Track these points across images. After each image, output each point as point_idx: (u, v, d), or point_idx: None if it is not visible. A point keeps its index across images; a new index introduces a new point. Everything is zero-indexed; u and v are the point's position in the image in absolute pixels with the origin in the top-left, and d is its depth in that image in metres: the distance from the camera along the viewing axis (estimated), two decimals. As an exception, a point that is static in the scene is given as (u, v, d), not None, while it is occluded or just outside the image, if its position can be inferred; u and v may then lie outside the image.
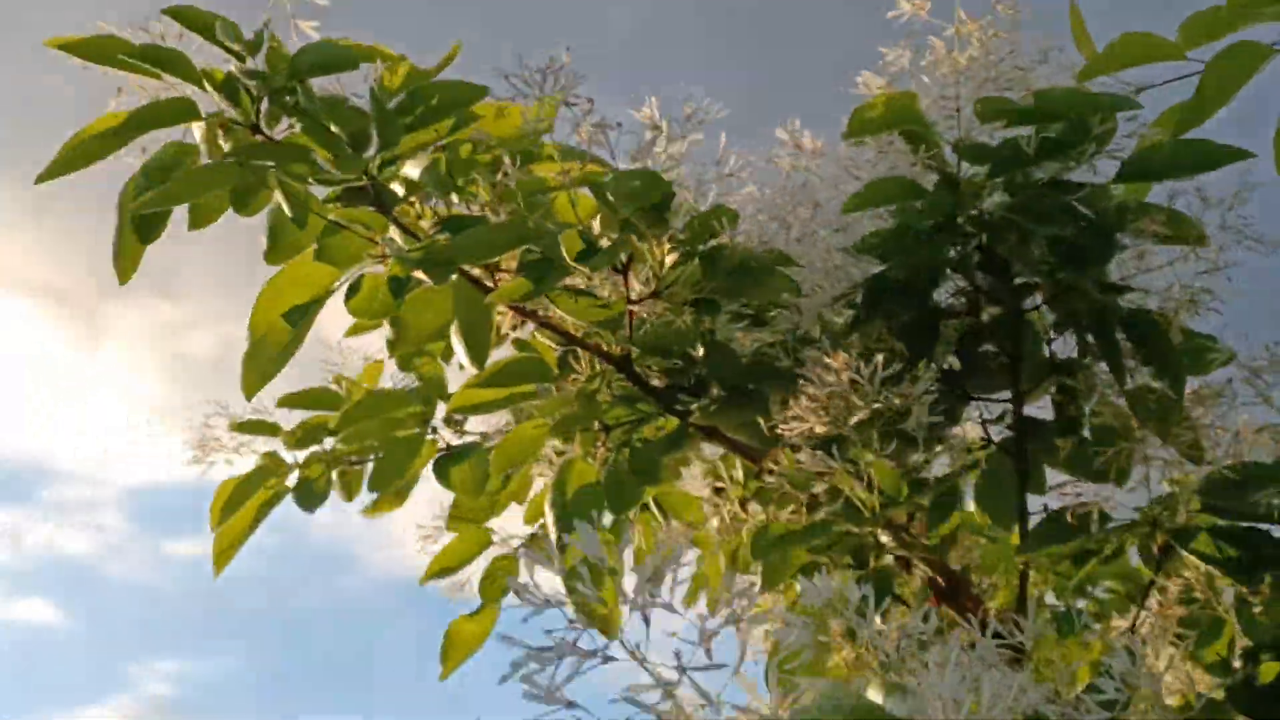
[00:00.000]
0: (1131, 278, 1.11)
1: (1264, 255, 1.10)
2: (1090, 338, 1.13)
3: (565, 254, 1.14)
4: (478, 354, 1.20)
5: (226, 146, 1.17)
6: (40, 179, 1.14)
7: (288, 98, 1.17)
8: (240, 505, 1.37)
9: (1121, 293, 1.08)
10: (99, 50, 1.12)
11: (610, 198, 1.14)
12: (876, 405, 1.07)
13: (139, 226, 1.16)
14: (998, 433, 1.17)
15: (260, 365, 1.20)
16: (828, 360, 1.06)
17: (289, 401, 1.38)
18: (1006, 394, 1.15)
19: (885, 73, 1.11)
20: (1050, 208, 1.08)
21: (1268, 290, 1.15)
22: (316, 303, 1.20)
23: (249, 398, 1.21)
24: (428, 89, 1.19)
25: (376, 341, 1.31)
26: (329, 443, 1.39)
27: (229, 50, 1.14)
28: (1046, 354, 1.15)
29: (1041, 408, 1.15)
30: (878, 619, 1.21)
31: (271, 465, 1.38)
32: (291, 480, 1.40)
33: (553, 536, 1.22)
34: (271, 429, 1.39)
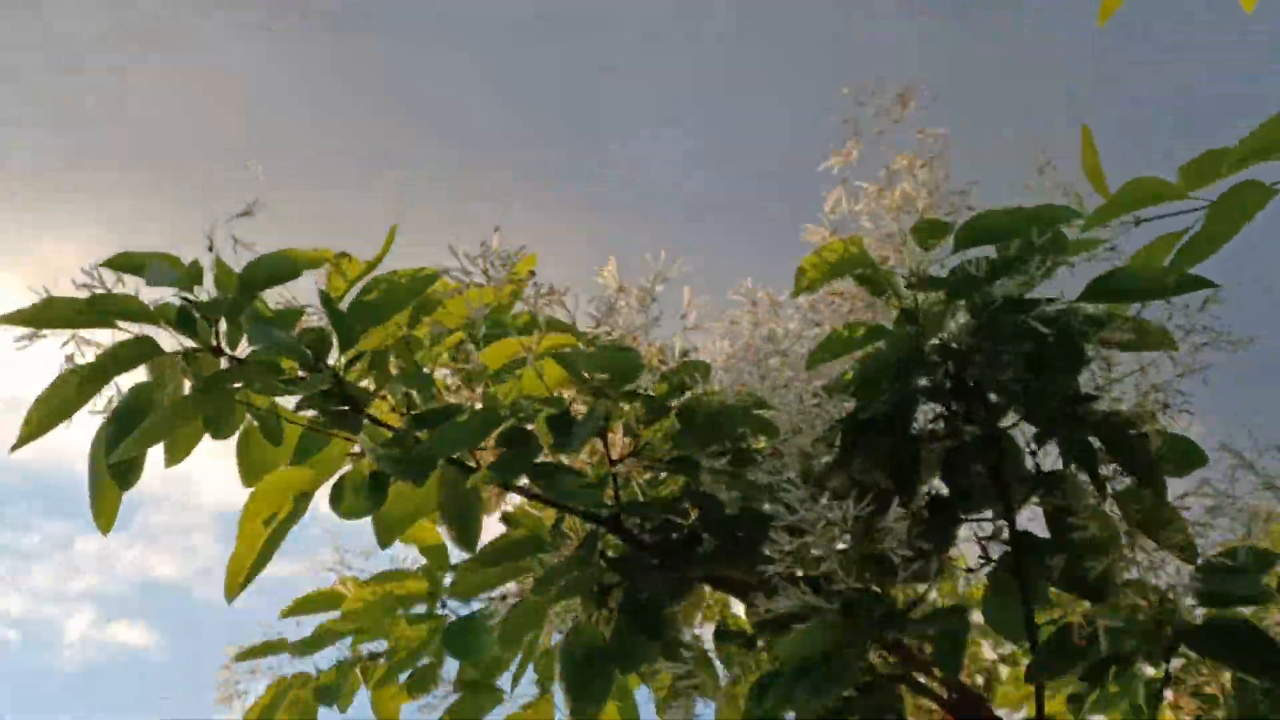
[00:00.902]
0: (1105, 387, 1.13)
1: (1232, 353, 1.11)
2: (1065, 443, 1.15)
3: (540, 435, 1.16)
4: (468, 540, 1.23)
5: (187, 381, 1.20)
6: (15, 447, 1.17)
7: (242, 317, 1.20)
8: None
9: (1091, 402, 1.10)
10: (54, 314, 1.15)
11: (583, 373, 1.17)
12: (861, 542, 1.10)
13: (116, 475, 1.18)
14: (996, 549, 1.19)
15: (241, 570, 1.23)
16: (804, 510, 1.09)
17: (295, 610, 1.41)
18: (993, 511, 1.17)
19: (827, 222, 1.14)
20: (1011, 327, 1.10)
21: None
22: (302, 504, 1.23)
23: (230, 600, 1.25)
24: (376, 285, 1.22)
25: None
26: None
27: (175, 284, 1.16)
28: (1031, 466, 1.17)
29: (1033, 518, 1.17)
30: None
31: (285, 685, 1.42)
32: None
33: (564, 702, 1.25)
34: (280, 646, 1.43)
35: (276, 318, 1.20)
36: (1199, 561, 1.09)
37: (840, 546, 1.10)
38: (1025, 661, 1.34)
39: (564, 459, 1.20)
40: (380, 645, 1.46)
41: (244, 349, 1.22)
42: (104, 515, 1.21)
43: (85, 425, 1.21)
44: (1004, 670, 1.37)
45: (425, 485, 1.23)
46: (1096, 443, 1.11)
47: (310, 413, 1.22)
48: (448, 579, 1.41)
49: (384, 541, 1.27)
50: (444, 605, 1.42)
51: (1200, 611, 1.08)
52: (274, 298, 1.22)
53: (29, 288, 1.14)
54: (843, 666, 1.09)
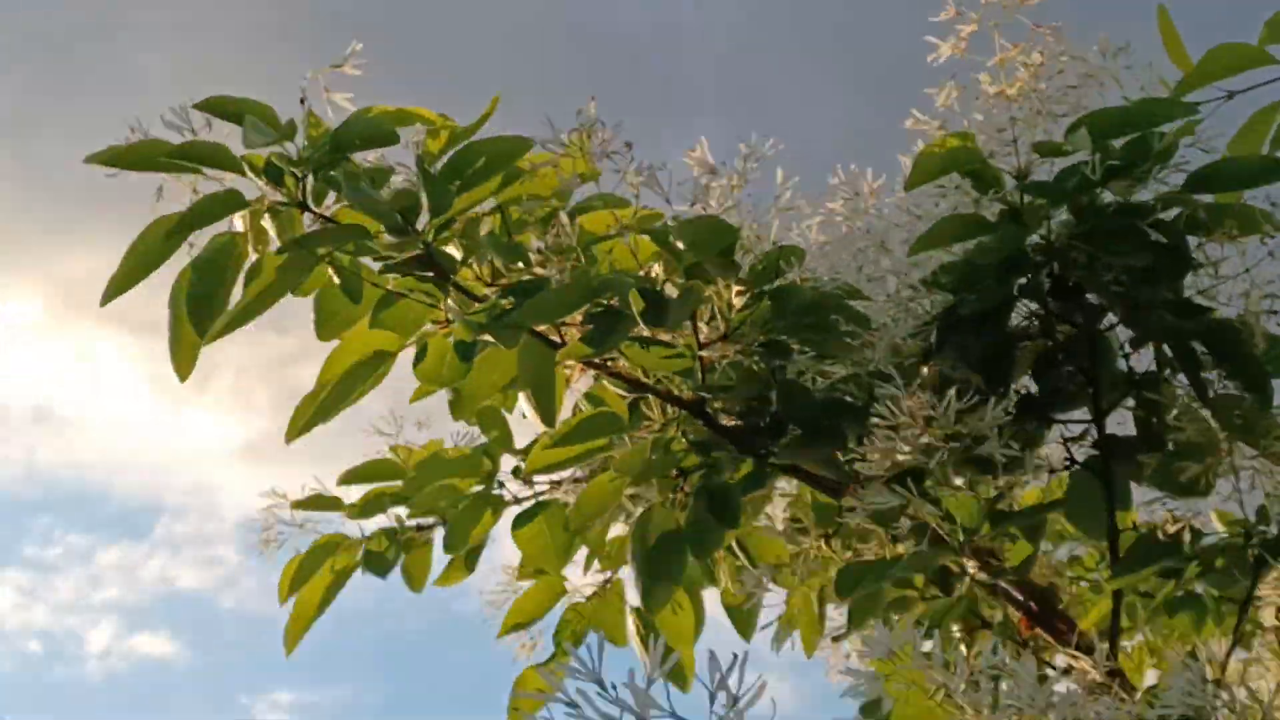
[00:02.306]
0: (1208, 289, 1.15)
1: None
2: (1168, 351, 1.17)
3: (635, 309, 1.18)
4: (548, 413, 1.25)
5: (272, 229, 1.21)
6: (104, 300, 1.18)
7: (332, 173, 1.20)
8: (306, 581, 1.42)
9: (1197, 313, 1.12)
10: (139, 156, 1.16)
11: (676, 245, 1.18)
12: (952, 436, 1.12)
13: (197, 321, 1.19)
14: (1080, 451, 1.22)
15: (310, 409, 1.25)
16: (900, 397, 1.11)
17: (349, 478, 1.43)
18: (1086, 413, 1.20)
19: (935, 113, 1.15)
20: (1118, 233, 1.12)
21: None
22: (382, 364, 1.25)
23: (289, 441, 1.27)
24: (473, 149, 1.23)
25: (430, 406, 1.37)
26: (391, 513, 1.45)
27: (268, 139, 1.17)
28: (1124, 369, 1.20)
29: (1122, 423, 1.20)
30: (963, 649, 1.29)
31: (333, 541, 1.44)
32: (359, 554, 1.46)
33: (636, 585, 1.27)
34: (333, 503, 1.44)
35: (367, 176, 1.21)
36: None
37: (928, 441, 1.13)
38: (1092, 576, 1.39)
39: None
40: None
41: (329, 207, 1.23)
42: (182, 362, 1.22)
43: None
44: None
45: (506, 359, 1.25)
46: (1199, 347, 1.14)
47: (392, 276, 1.24)
48: (508, 462, 1.43)
49: (460, 413, 1.29)
50: (501, 486, 1.44)
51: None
52: (362, 158, 1.23)
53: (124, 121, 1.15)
54: (924, 558, 1.12)
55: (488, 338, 1.20)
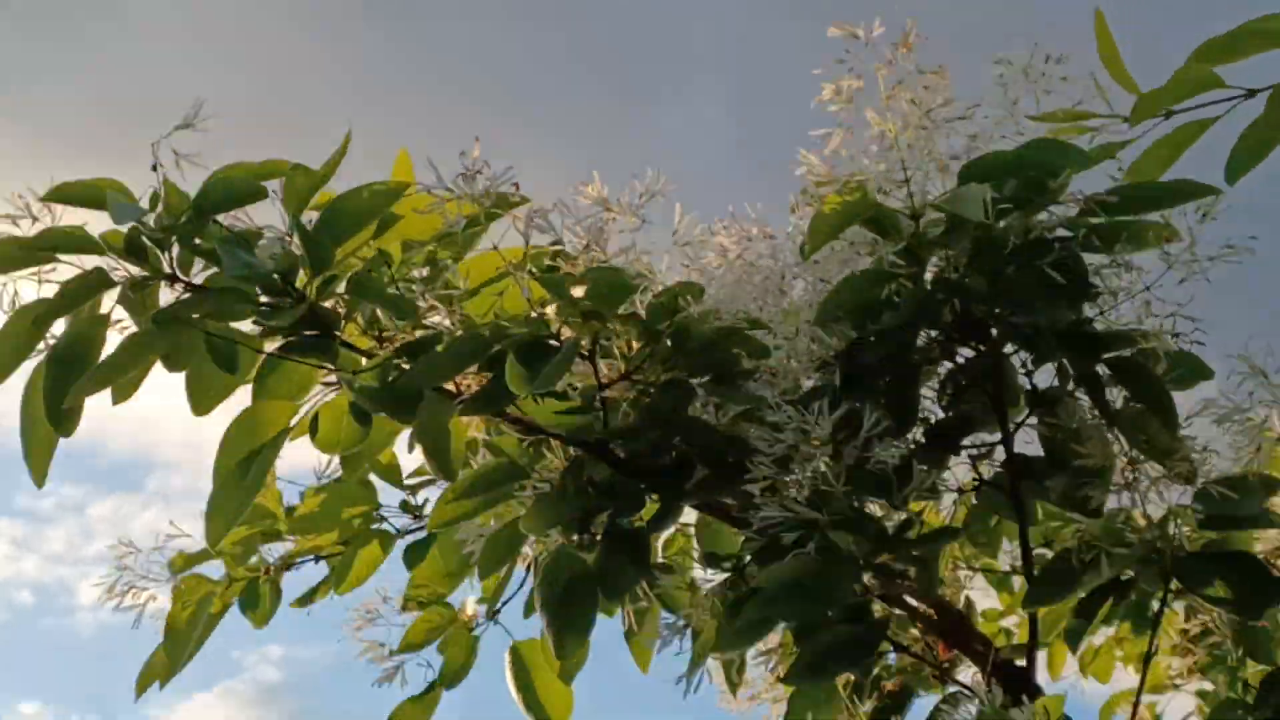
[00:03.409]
0: (1107, 312, 1.18)
1: (1238, 265, 1.16)
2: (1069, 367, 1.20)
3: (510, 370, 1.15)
4: (447, 467, 1.22)
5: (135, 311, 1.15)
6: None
7: (197, 240, 1.15)
8: (189, 638, 1.39)
9: (1097, 350, 1.15)
10: (-1, 255, 1.08)
11: (572, 294, 1.16)
12: (859, 465, 1.14)
13: (57, 418, 1.14)
14: (987, 468, 1.24)
15: (225, 514, 1.21)
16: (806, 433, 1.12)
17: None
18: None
19: (825, 164, 1.14)
20: (1018, 273, 1.13)
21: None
22: (273, 444, 1.20)
23: (213, 547, 1.23)
24: (344, 200, 1.18)
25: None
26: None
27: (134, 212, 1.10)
28: (1028, 386, 1.22)
29: (1029, 441, 1.23)
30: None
31: (206, 588, 1.41)
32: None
33: (549, 631, 1.27)
34: (205, 556, 1.41)
35: (237, 239, 1.15)
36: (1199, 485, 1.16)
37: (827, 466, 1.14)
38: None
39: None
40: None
41: (197, 275, 1.17)
42: (39, 464, 1.18)
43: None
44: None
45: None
46: (1102, 368, 1.17)
47: (270, 342, 1.19)
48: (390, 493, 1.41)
49: (353, 472, 1.26)
50: (383, 521, 1.42)
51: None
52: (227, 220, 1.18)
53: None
54: (831, 587, 1.13)
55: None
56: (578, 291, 1.16)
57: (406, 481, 1.41)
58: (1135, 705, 1.18)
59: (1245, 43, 1.11)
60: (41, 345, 1.13)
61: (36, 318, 1.11)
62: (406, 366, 1.17)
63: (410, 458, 1.36)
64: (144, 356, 1.15)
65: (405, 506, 1.40)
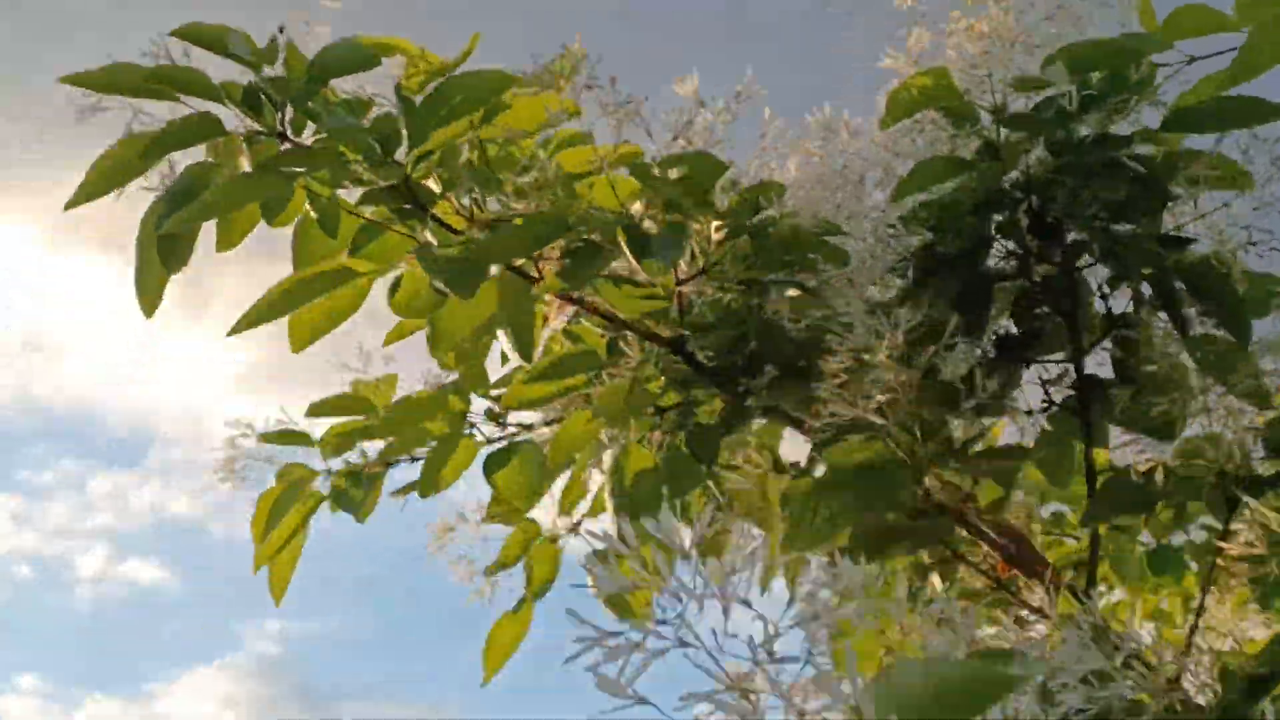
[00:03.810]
0: (1185, 225, 1.18)
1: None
2: (1146, 290, 1.20)
3: (619, 241, 1.20)
4: (527, 349, 1.27)
5: (247, 163, 1.22)
6: (69, 204, 1.19)
7: (311, 103, 1.22)
8: (280, 519, 1.44)
9: (1178, 246, 1.15)
10: (114, 80, 1.17)
11: (660, 179, 1.20)
12: (929, 374, 1.15)
13: (164, 252, 1.21)
14: (1057, 393, 1.24)
15: (259, 309, 1.27)
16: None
17: (319, 410, 1.44)
18: (1063, 356, 1.22)
19: (909, 53, 1.17)
20: (1096, 165, 1.14)
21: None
22: (347, 282, 1.27)
23: (231, 334, 1.27)
24: (454, 82, 1.24)
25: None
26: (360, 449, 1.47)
27: (244, 62, 1.18)
28: (1102, 310, 1.22)
29: (1100, 364, 1.23)
30: (936, 580, 1.31)
31: (303, 475, 1.45)
32: (324, 488, 1.47)
33: (613, 524, 1.30)
34: (303, 438, 1.46)
35: (345, 106, 1.23)
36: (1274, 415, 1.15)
37: (901, 377, 1.16)
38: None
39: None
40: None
41: (309, 138, 1.25)
42: (148, 296, 1.23)
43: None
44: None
45: (485, 295, 1.27)
46: (1179, 285, 1.17)
47: (371, 209, 1.25)
48: (478, 403, 1.45)
49: (437, 350, 1.30)
50: (472, 427, 1.45)
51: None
52: (342, 90, 1.25)
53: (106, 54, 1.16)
54: (894, 481, 1.13)
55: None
56: (673, 173, 1.21)
57: (493, 392, 1.45)
58: (1189, 640, 1.15)
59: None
60: (159, 182, 1.21)
61: (144, 148, 1.18)
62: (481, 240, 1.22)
63: (499, 371, 1.43)
64: (244, 198, 1.21)
65: (490, 415, 1.44)
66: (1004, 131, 1.18)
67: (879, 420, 1.11)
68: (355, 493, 1.46)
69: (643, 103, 1.25)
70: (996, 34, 1.16)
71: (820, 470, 1.17)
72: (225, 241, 1.25)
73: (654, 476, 1.29)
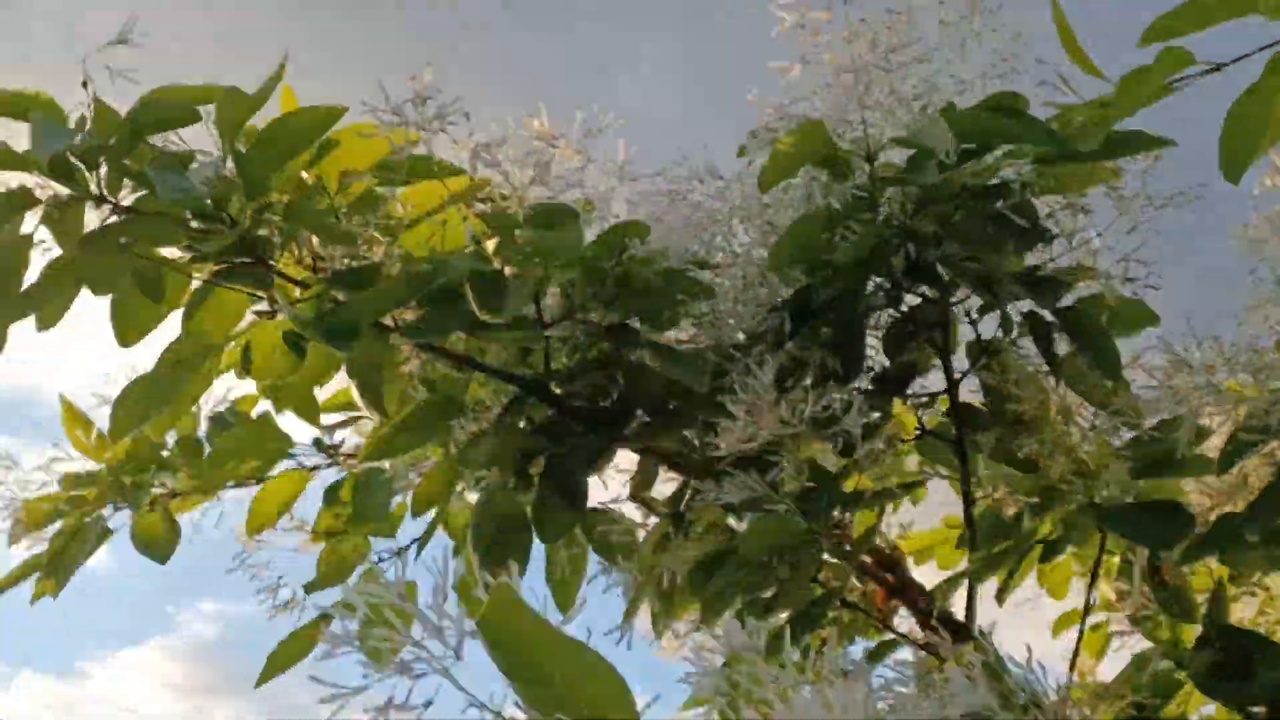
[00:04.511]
0: (1058, 256, 1.18)
1: (1180, 209, 1.17)
2: (1012, 315, 1.21)
3: (470, 298, 1.13)
4: (379, 402, 1.21)
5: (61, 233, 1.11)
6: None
7: (127, 161, 1.11)
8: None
9: (1049, 290, 1.15)
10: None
11: (526, 246, 1.14)
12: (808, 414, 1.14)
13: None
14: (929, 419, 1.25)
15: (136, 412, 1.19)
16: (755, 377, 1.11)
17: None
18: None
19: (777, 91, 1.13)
20: (970, 216, 1.13)
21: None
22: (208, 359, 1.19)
23: (117, 437, 1.21)
24: (279, 123, 1.14)
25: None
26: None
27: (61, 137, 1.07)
28: (973, 335, 1.23)
29: (974, 390, 1.23)
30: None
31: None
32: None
33: (478, 572, 1.26)
34: (96, 479, 1.39)
35: (166, 160, 1.12)
36: (1134, 436, 1.18)
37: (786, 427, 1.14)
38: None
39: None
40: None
41: (125, 198, 1.14)
42: None
43: None
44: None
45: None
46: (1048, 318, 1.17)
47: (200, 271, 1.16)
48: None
49: (283, 405, 1.23)
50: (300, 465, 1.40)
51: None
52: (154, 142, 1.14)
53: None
54: (801, 559, 1.13)
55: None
56: (522, 235, 1.15)
57: (324, 420, 1.38)
58: (1072, 663, 1.20)
59: (1206, 13, 1.09)
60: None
61: (-46, 237, 1.07)
62: (343, 298, 1.14)
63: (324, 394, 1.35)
64: (69, 282, 1.11)
65: (319, 445, 1.37)
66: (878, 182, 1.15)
67: (774, 495, 1.10)
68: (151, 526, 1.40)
69: (502, 144, 1.17)
70: (864, 73, 1.12)
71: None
72: (45, 323, 1.13)
73: (522, 522, 1.25)
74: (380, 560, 1.42)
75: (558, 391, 1.22)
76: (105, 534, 1.45)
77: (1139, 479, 1.18)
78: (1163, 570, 1.18)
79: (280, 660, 1.41)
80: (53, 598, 1.45)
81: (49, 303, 1.12)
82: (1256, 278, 1.12)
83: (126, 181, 1.13)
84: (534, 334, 1.18)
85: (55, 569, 1.43)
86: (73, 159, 1.09)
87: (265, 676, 1.42)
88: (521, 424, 1.23)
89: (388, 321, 1.18)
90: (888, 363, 1.22)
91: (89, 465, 1.46)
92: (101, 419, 1.41)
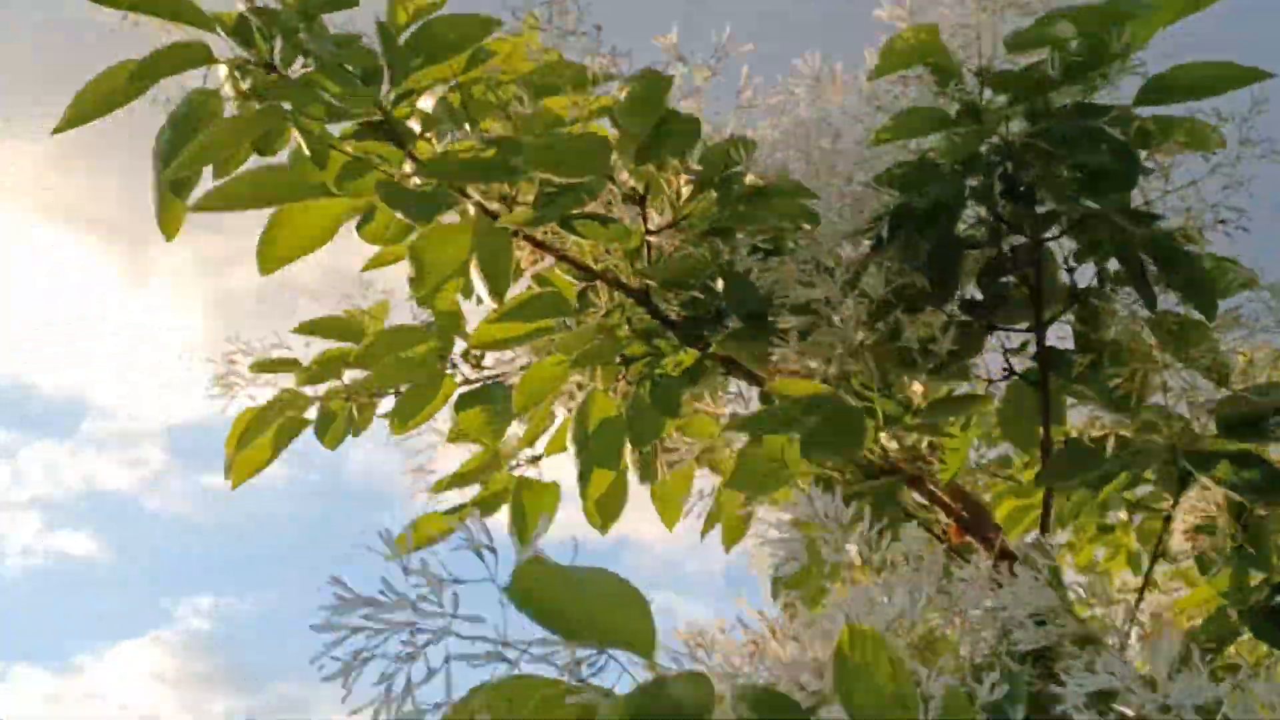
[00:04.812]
0: (1154, 201, 1.19)
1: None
2: (1112, 265, 1.21)
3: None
4: (497, 286, 1.29)
5: (239, 92, 1.25)
6: (56, 129, 1.23)
7: (300, 36, 1.25)
8: (258, 435, 1.47)
9: (1148, 221, 1.16)
10: (104, -1, 1.20)
11: (620, 120, 1.23)
12: (892, 336, 1.18)
13: (173, 186, 1.25)
14: (1019, 362, 1.26)
15: (274, 251, 1.31)
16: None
17: (306, 329, 1.47)
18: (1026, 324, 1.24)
19: (905, 6, 1.19)
20: (1076, 134, 1.15)
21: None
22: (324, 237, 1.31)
23: (264, 274, 1.31)
24: (439, 24, 1.27)
25: (393, 277, 1.43)
26: (347, 377, 1.49)
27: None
28: (1067, 282, 1.24)
29: (1062, 338, 1.24)
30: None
31: (289, 398, 1.48)
32: (311, 413, 1.50)
33: (576, 468, 1.32)
34: (291, 365, 1.48)
35: (335, 41, 1.26)
36: (1228, 392, 1.16)
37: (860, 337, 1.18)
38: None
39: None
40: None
41: (296, 72, 1.28)
42: (168, 225, 1.27)
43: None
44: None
45: (461, 235, 1.30)
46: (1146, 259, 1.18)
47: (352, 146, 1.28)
48: (459, 345, 1.47)
49: (418, 287, 1.32)
50: (453, 367, 1.47)
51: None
52: (333, 27, 1.28)
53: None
54: (849, 427, 1.15)
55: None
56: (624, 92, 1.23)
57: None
58: (1136, 603, 1.17)
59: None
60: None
61: (131, 74, 1.22)
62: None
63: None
64: (241, 136, 1.25)
65: (466, 355, 1.46)
66: (987, 95, 1.19)
67: (833, 372, 1.13)
68: (339, 419, 1.49)
69: (623, 56, 1.27)
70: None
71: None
72: (220, 171, 1.27)
73: (616, 425, 1.31)
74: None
75: (660, 300, 1.29)
76: None
77: (1227, 436, 1.16)
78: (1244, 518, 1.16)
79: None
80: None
81: (224, 154, 1.26)
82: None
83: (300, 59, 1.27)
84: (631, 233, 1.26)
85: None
86: (254, 25, 1.24)
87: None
88: (624, 331, 1.31)
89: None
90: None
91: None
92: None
